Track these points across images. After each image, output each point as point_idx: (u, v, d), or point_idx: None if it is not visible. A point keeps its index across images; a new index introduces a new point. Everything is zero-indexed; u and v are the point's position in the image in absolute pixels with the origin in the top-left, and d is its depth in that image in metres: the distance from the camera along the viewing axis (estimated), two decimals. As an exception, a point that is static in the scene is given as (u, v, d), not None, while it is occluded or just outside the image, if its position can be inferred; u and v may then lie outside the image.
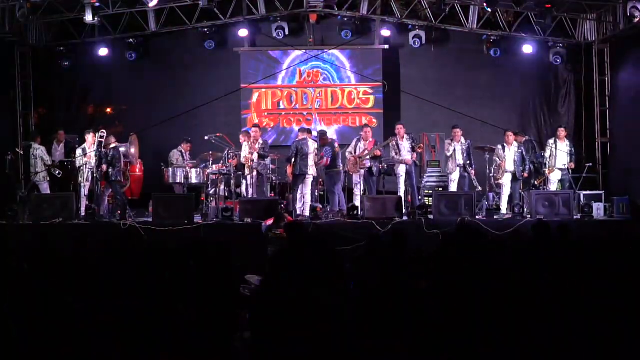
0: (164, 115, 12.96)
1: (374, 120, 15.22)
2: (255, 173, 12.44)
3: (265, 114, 15.51)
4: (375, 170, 12.55)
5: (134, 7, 13.85)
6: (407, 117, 15.33)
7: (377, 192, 12.52)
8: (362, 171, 12.59)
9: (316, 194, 13.24)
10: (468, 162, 12.75)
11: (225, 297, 4.82)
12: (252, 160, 12.34)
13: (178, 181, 13.04)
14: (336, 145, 12.97)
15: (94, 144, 12.05)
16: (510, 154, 12.67)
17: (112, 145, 12.20)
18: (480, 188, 12.57)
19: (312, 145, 12.38)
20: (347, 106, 15.51)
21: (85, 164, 12.08)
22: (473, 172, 12.76)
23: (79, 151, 12.38)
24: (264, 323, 4.41)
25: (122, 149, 12.55)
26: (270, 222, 9.96)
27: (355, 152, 12.62)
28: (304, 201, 12.19)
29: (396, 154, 12.64)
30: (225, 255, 5.24)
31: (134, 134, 12.92)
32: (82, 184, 12.14)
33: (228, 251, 5.34)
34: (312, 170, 12.21)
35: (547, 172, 12.83)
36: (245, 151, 12.44)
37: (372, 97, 15.42)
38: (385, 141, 12.98)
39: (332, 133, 14.67)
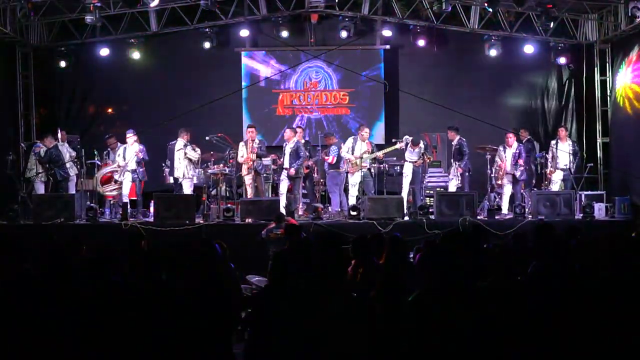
0: (164, 116, 12.92)
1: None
2: (253, 173, 12.43)
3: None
4: (374, 172, 12.55)
5: (135, 7, 13.84)
6: (408, 117, 15.36)
7: (378, 192, 12.52)
8: (361, 171, 12.54)
9: (316, 194, 13.25)
10: (458, 159, 12.77)
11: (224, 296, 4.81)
12: (253, 161, 12.34)
13: (171, 182, 13.06)
14: (342, 145, 12.97)
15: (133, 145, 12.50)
16: (510, 155, 12.68)
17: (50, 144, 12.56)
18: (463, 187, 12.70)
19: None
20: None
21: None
22: (459, 169, 12.76)
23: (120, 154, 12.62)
24: (265, 324, 4.41)
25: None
26: (271, 226, 9.96)
27: (353, 152, 12.56)
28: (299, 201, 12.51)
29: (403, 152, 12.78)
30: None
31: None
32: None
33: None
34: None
35: (548, 172, 12.83)
36: (242, 152, 12.42)
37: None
38: (391, 147, 12.87)
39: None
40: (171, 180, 13.10)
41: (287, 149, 12.54)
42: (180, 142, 12.61)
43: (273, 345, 4.23)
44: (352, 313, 4.24)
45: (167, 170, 13.18)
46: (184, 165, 12.61)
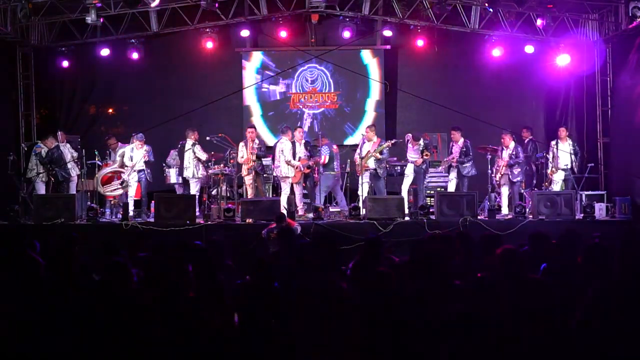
0: (165, 116, 12.94)
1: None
2: (253, 173, 12.43)
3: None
4: (382, 172, 12.48)
5: (136, 7, 13.84)
6: (409, 118, 15.38)
7: (379, 193, 12.50)
8: (368, 172, 12.50)
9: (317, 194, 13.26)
10: (467, 162, 12.76)
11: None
12: (253, 161, 12.35)
13: (180, 182, 13.08)
14: (334, 146, 12.94)
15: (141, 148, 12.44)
16: (507, 156, 12.68)
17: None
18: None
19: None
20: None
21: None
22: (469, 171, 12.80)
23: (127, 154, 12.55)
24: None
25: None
26: (271, 226, 9.96)
27: (361, 153, 12.54)
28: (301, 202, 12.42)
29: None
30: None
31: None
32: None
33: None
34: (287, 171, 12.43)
35: (549, 173, 12.82)
36: (242, 152, 12.42)
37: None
38: (385, 144, 12.77)
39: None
40: (173, 180, 13.15)
41: (300, 149, 12.59)
42: (188, 142, 12.65)
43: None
44: (341, 312, 4.28)
45: (167, 170, 13.21)
46: (193, 165, 12.64)
